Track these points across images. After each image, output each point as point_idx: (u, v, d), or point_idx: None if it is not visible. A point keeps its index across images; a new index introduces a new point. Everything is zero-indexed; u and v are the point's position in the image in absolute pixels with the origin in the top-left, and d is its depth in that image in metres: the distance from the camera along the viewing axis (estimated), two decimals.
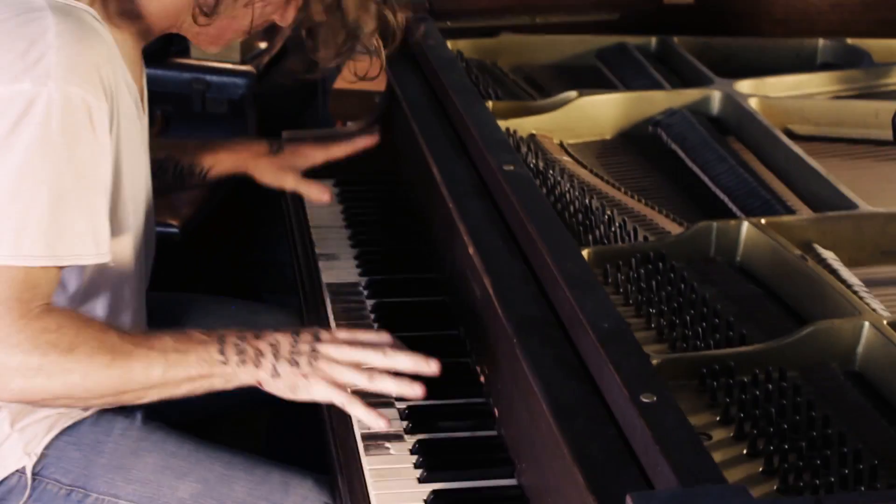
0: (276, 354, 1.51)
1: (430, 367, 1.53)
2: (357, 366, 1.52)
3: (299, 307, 2.09)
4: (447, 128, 2.03)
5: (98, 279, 1.65)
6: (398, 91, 2.17)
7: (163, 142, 1.87)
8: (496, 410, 1.60)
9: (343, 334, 1.56)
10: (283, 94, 2.98)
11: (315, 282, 2.02)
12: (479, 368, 1.69)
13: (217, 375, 1.50)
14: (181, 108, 2.91)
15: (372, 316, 1.89)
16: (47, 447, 1.67)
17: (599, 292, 1.43)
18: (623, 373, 1.27)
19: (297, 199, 2.36)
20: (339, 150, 2.08)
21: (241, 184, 2.73)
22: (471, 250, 1.64)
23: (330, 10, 1.68)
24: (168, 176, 2.00)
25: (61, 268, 1.50)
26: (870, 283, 1.60)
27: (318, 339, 1.53)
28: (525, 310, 1.50)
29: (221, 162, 2.06)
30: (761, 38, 2.47)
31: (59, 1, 1.51)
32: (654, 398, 1.22)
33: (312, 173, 2.32)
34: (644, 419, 1.19)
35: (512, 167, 1.74)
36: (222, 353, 1.50)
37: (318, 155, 2.07)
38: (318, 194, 2.03)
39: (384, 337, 1.57)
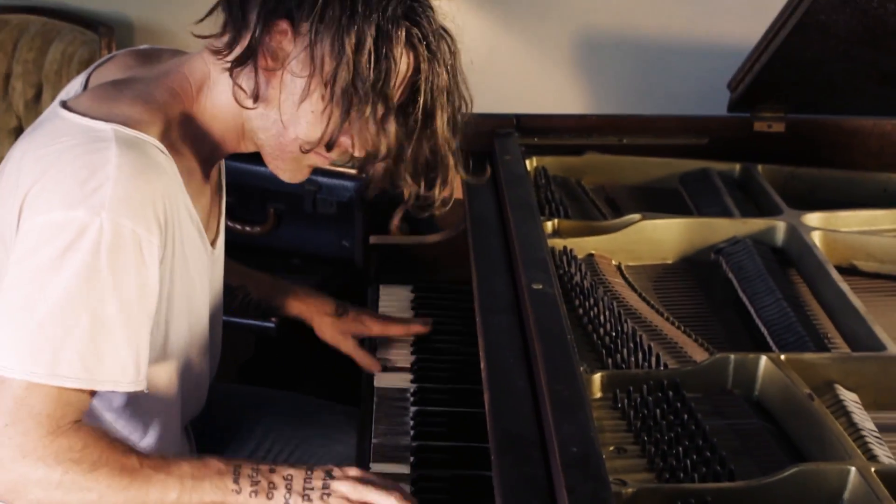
0: (289, 488, 1.57)
1: None
2: None
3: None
4: (504, 243, 2.06)
5: (142, 399, 1.68)
6: (465, 203, 2.21)
7: (240, 269, 1.97)
8: None
9: (354, 472, 1.61)
10: (388, 198, 3.05)
11: (369, 386, 2.08)
12: None
13: (228, 503, 1.57)
14: (292, 206, 3.02)
15: (411, 423, 1.93)
16: None
17: (581, 416, 1.43)
18: (574, 498, 1.27)
19: (376, 301, 2.42)
20: (396, 330, 2.19)
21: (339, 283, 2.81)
22: (482, 365, 1.67)
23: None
24: (235, 302, 2.08)
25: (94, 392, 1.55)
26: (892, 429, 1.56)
27: (330, 476, 1.60)
28: (511, 427, 1.51)
29: (289, 307, 2.17)
30: (849, 170, 2.42)
31: (126, 132, 1.54)
32: None
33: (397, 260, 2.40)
34: None
35: (540, 286, 1.76)
36: (237, 482, 1.56)
37: (376, 328, 2.17)
38: (370, 364, 2.12)
39: (391, 483, 1.63)
